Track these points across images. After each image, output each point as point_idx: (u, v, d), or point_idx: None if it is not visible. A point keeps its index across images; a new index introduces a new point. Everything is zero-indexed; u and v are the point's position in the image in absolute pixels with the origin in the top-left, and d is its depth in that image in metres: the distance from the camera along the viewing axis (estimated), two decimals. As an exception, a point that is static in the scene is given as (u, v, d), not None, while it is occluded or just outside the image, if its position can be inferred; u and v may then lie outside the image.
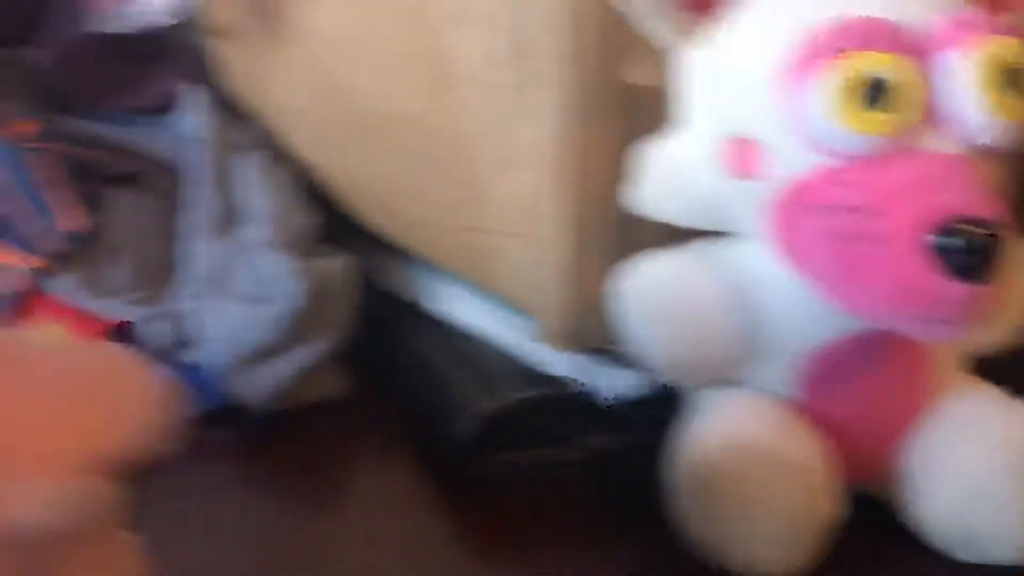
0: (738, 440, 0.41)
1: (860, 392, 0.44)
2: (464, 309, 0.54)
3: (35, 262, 0.53)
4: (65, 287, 0.53)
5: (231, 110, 0.60)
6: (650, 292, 0.44)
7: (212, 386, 0.51)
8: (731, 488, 0.41)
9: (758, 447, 0.41)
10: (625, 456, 0.48)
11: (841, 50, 0.37)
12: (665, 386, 0.47)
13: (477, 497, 0.47)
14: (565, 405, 0.49)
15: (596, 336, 0.47)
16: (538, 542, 0.45)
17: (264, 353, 0.50)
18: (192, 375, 0.51)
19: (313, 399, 0.52)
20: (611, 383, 0.49)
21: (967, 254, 0.35)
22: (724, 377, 0.45)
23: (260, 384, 0.50)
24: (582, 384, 0.49)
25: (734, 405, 0.44)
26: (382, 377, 0.55)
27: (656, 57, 0.42)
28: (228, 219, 0.55)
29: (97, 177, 0.58)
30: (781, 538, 0.42)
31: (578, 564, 0.44)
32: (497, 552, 0.45)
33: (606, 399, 0.49)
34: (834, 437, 0.43)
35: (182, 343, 0.51)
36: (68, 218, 0.55)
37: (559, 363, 0.50)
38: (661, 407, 0.45)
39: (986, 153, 0.39)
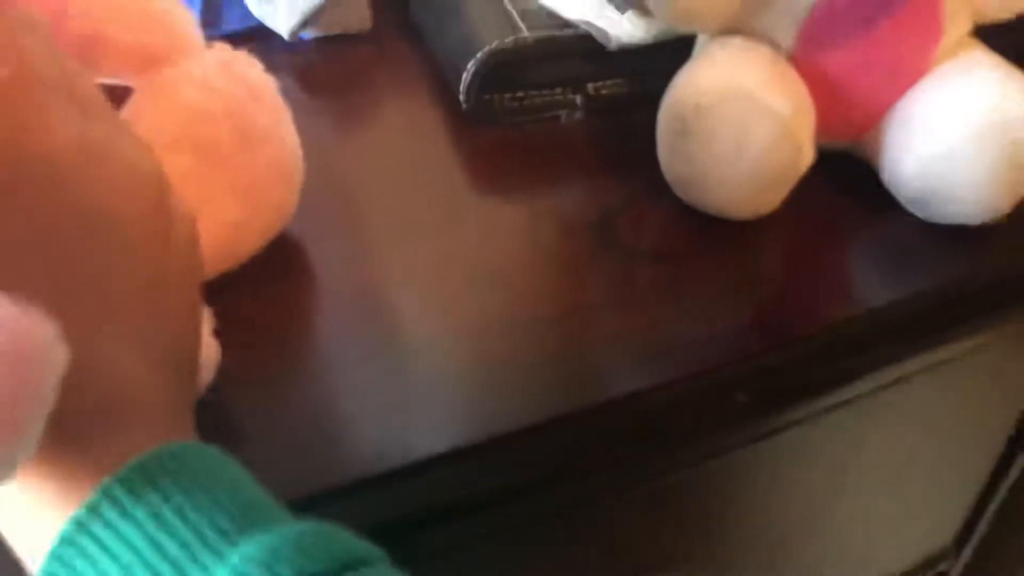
0: (722, 83, 0.41)
1: (855, 50, 0.42)
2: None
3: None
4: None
5: None
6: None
7: (242, 8, 0.53)
8: (709, 128, 0.40)
9: (741, 91, 0.40)
10: (628, 101, 0.49)
11: None
12: (674, 35, 0.46)
13: (485, 132, 0.48)
14: (577, 49, 0.48)
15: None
16: (534, 176, 0.46)
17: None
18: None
19: (338, 29, 0.53)
20: (622, 29, 0.47)
21: None
22: (729, 26, 0.43)
23: (288, 8, 0.51)
24: (594, 29, 0.48)
25: (727, 51, 0.43)
26: (405, 13, 0.55)
27: None
28: None
29: None
30: (753, 181, 0.41)
31: (566, 196, 0.45)
32: (496, 182, 0.46)
33: (615, 44, 0.48)
34: (824, 91, 0.43)
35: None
36: None
37: (572, 7, 0.48)
38: (669, 55, 0.45)
39: None
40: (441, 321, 0.38)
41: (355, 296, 0.39)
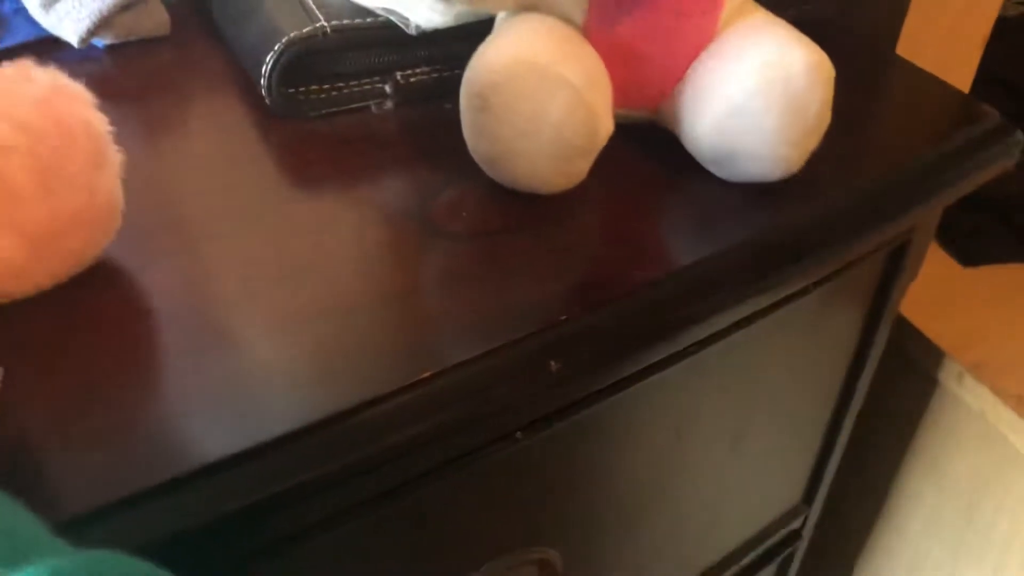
0: (516, 58, 0.41)
1: (641, 20, 0.43)
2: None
3: None
4: None
5: None
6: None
7: (29, 18, 0.51)
8: (506, 103, 0.41)
9: (533, 64, 0.40)
10: (439, 88, 0.49)
11: None
12: (474, 17, 0.46)
13: (294, 127, 0.48)
14: (380, 37, 0.48)
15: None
16: (344, 168, 0.46)
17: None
18: (7, 6, 0.51)
19: (135, 35, 0.52)
20: (421, 14, 0.47)
21: None
22: (524, 4, 0.44)
23: (79, 16, 0.49)
24: (394, 15, 0.47)
25: (521, 27, 0.43)
26: (206, 17, 0.55)
27: None
28: None
29: None
30: (555, 152, 0.42)
31: (379, 186, 0.45)
32: (305, 176, 0.45)
33: (415, 30, 0.47)
34: (618, 61, 0.44)
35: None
36: None
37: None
38: (475, 40, 0.44)
39: None
40: (250, 317, 0.37)
41: (158, 301, 0.38)
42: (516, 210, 0.44)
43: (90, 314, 0.37)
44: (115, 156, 0.38)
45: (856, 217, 0.47)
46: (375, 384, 0.35)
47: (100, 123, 0.37)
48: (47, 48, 0.51)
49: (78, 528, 0.31)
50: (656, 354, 0.42)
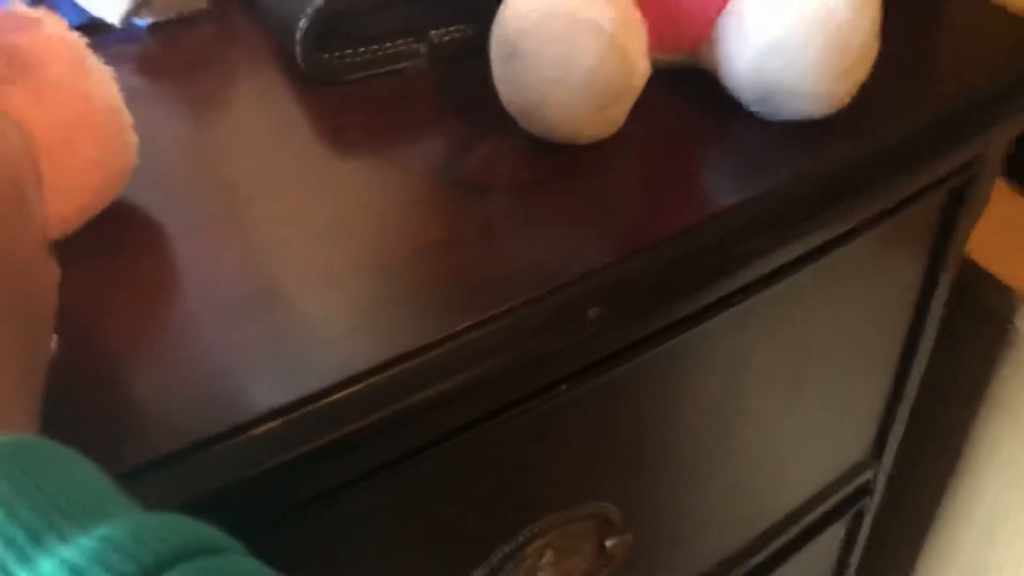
0: (545, 3, 0.40)
1: None
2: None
3: None
4: None
5: None
6: None
7: (74, 3, 0.51)
8: (536, 50, 0.40)
9: (562, 8, 0.40)
10: (474, 46, 0.49)
11: None
12: None
13: (330, 91, 0.48)
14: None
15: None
16: (380, 129, 0.46)
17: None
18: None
19: (174, 13, 0.53)
20: None
21: None
22: None
23: None
24: None
25: None
26: None
27: None
28: None
29: None
30: (588, 99, 0.41)
31: (414, 144, 0.45)
32: (342, 139, 0.46)
33: None
34: (652, 3, 0.43)
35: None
36: None
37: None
38: None
39: None
40: (291, 276, 0.38)
41: (203, 262, 0.39)
42: (553, 161, 0.43)
43: (138, 276, 0.38)
44: (100, 64, 0.38)
45: (906, 154, 0.45)
46: (413, 337, 0.35)
47: (75, 36, 0.38)
48: (92, 31, 0.52)
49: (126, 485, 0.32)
50: (698, 301, 0.41)
